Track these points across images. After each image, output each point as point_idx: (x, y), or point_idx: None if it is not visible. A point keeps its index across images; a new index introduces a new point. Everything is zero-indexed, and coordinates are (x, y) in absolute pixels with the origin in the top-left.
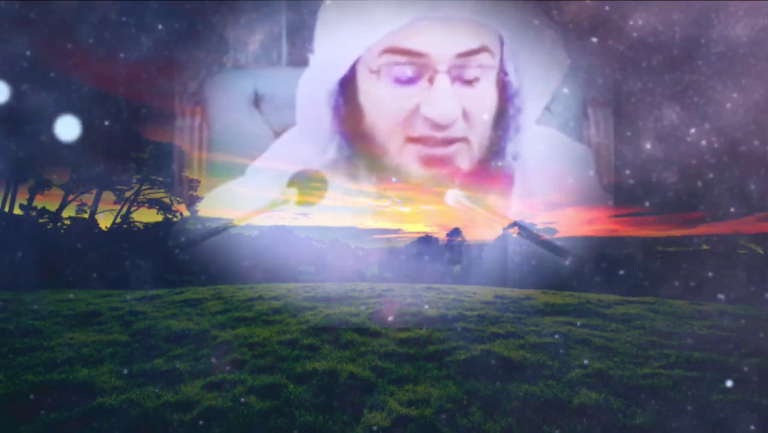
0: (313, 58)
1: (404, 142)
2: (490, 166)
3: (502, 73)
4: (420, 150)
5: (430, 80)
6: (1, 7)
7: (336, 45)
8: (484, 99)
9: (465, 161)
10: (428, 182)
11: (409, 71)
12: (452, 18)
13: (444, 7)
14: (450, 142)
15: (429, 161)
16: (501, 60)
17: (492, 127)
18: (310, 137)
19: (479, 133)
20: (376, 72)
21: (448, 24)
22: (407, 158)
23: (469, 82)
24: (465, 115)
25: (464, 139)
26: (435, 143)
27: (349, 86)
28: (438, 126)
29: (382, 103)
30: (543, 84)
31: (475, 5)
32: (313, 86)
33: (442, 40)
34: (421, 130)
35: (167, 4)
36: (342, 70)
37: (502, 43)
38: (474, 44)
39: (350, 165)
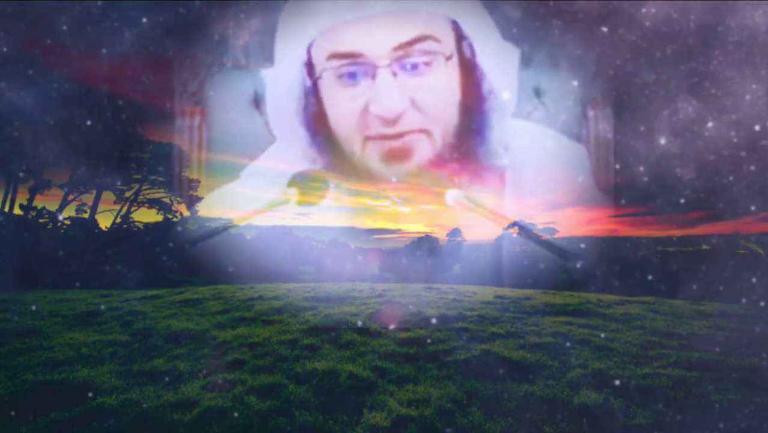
0: (269, 75)
1: (364, 141)
2: (474, 153)
3: (463, 55)
4: (379, 146)
5: (373, 78)
6: None
7: (292, 50)
8: (437, 86)
9: (426, 151)
10: (427, 181)
11: (352, 72)
12: (387, 12)
13: (377, 4)
14: (405, 134)
15: (389, 156)
16: (459, 43)
17: (459, 113)
18: (290, 143)
19: (441, 121)
20: (322, 77)
21: (381, 19)
22: (370, 157)
23: (416, 72)
24: (416, 106)
25: (422, 130)
26: (391, 138)
27: (311, 95)
28: (386, 121)
29: (336, 106)
30: (504, 66)
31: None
32: (280, 93)
33: (377, 37)
34: (374, 127)
35: (167, 4)
36: (300, 76)
37: (456, 28)
38: (411, 34)
39: (330, 168)
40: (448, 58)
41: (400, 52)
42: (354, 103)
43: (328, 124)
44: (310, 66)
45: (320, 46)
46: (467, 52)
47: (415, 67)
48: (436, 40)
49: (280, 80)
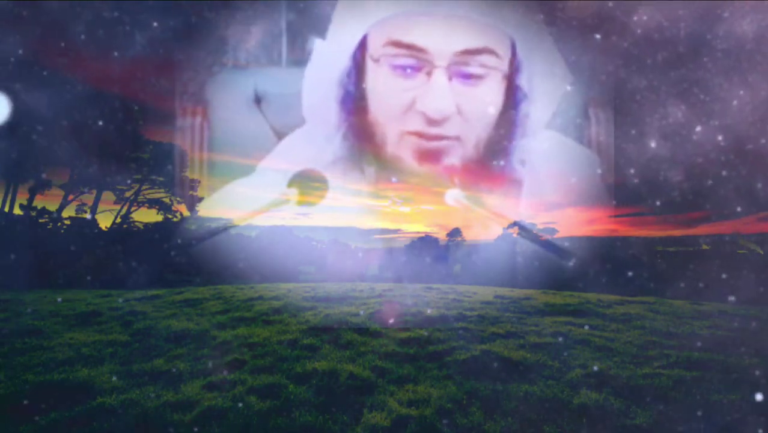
0: (318, 49)
1: (401, 135)
2: (494, 167)
3: (512, 76)
4: (415, 143)
5: (428, 75)
6: None
7: (342, 35)
8: (484, 99)
9: (457, 159)
10: (427, 181)
11: (408, 64)
12: (455, 16)
13: (447, 4)
14: (443, 138)
15: (422, 156)
16: (512, 63)
17: (494, 128)
18: (318, 129)
19: (476, 132)
20: (378, 61)
21: (450, 21)
22: (404, 151)
23: (469, 81)
24: (461, 113)
25: (457, 138)
26: (429, 138)
27: (355, 76)
28: (431, 121)
29: (382, 93)
30: (551, 91)
31: (480, 5)
32: (320, 76)
33: (442, 37)
34: (416, 123)
35: (167, 4)
36: (347, 60)
37: (513, 47)
38: (476, 44)
39: (355, 157)
40: (504, 77)
41: (462, 58)
42: (403, 95)
43: (368, 108)
44: (362, 48)
45: (380, 32)
46: (517, 73)
47: (470, 76)
48: (497, 56)
49: (325, 58)
